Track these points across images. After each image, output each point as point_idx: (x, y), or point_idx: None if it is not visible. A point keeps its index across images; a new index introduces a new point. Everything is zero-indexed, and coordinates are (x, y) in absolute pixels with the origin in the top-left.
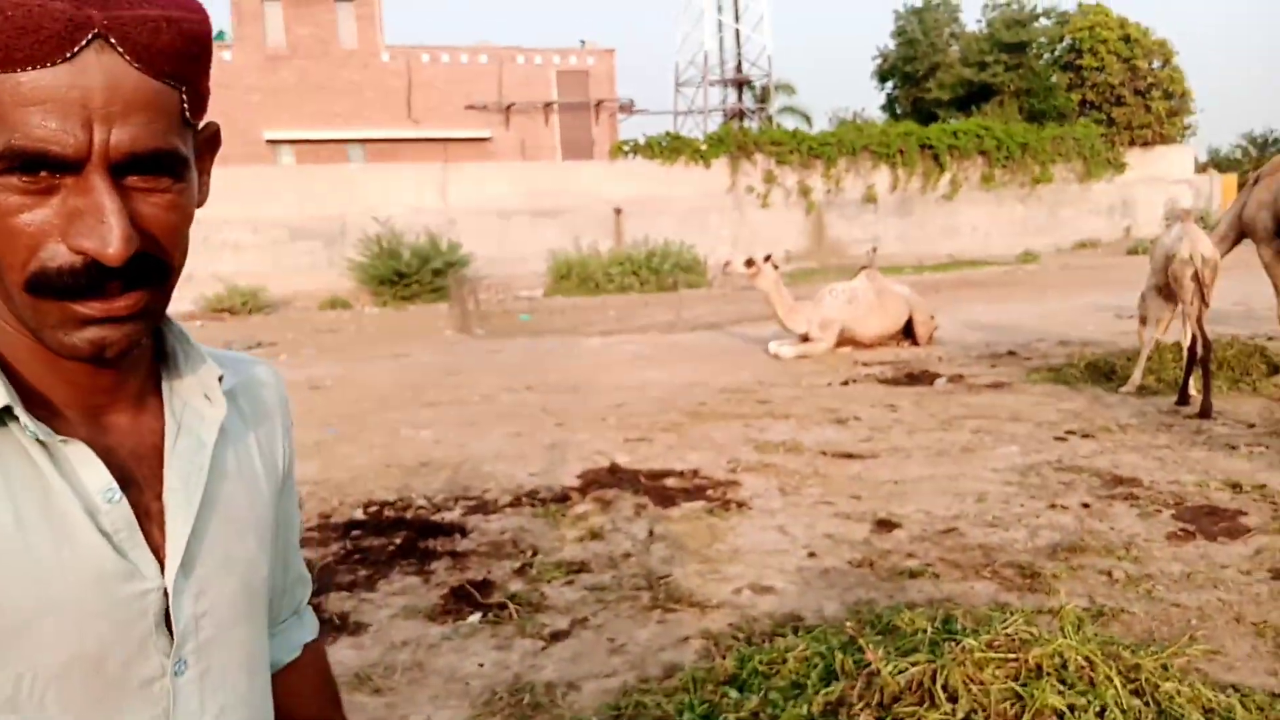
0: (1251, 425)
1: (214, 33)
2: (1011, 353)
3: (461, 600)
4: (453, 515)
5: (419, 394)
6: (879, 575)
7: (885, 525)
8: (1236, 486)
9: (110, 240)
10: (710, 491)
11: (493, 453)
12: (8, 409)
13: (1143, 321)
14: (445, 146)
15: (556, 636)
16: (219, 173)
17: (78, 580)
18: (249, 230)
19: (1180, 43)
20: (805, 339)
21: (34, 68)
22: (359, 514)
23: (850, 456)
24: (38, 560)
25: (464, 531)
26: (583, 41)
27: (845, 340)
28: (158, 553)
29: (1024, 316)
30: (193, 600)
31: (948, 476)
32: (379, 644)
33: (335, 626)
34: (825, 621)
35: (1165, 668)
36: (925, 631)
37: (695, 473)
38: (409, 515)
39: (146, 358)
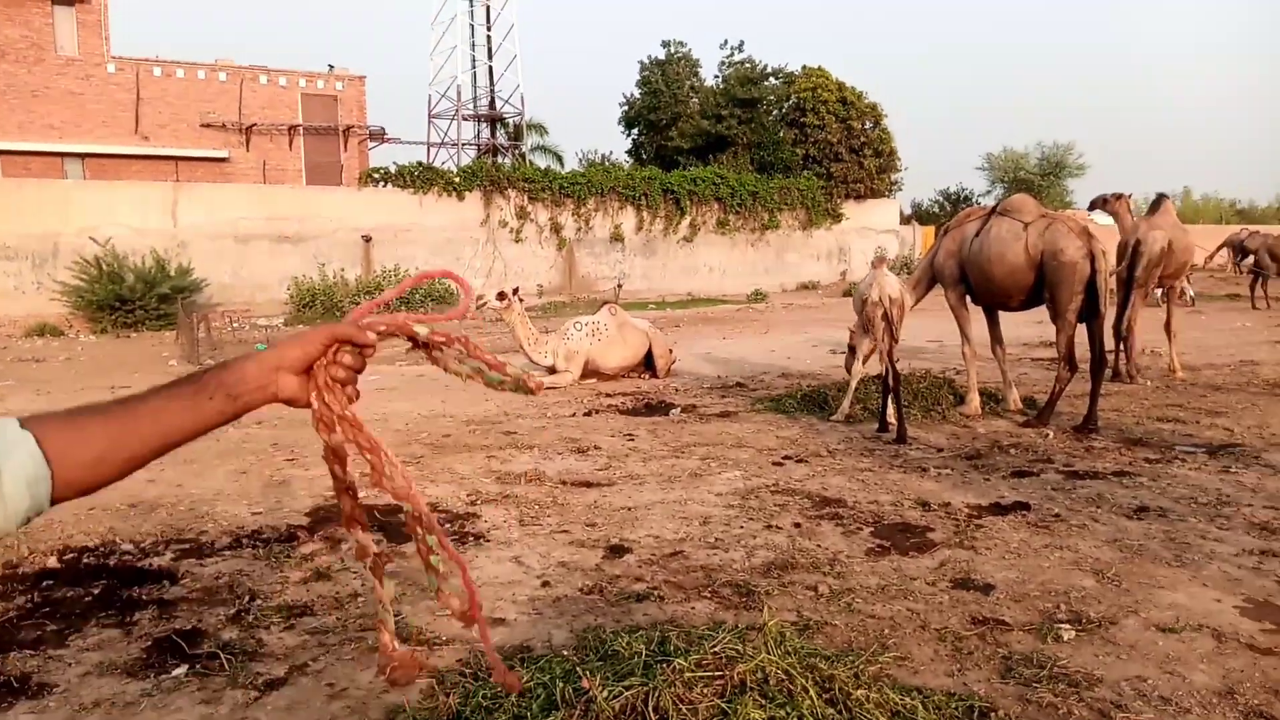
0: (940, 449)
1: None
2: (740, 384)
3: (166, 652)
4: (162, 560)
5: None
6: (608, 600)
7: (617, 551)
8: (925, 505)
9: None
10: (448, 524)
11: (213, 492)
12: None
13: (854, 355)
14: (177, 165)
15: (272, 685)
16: None
17: None
18: None
19: (889, 106)
20: (552, 370)
21: None
22: (52, 562)
23: (589, 485)
24: None
25: (174, 578)
26: (331, 66)
27: (590, 372)
28: None
29: (752, 351)
30: None
31: (677, 501)
32: (66, 706)
33: (13, 690)
34: (553, 650)
35: (858, 675)
36: (641, 654)
37: (434, 506)
38: (112, 562)
39: None
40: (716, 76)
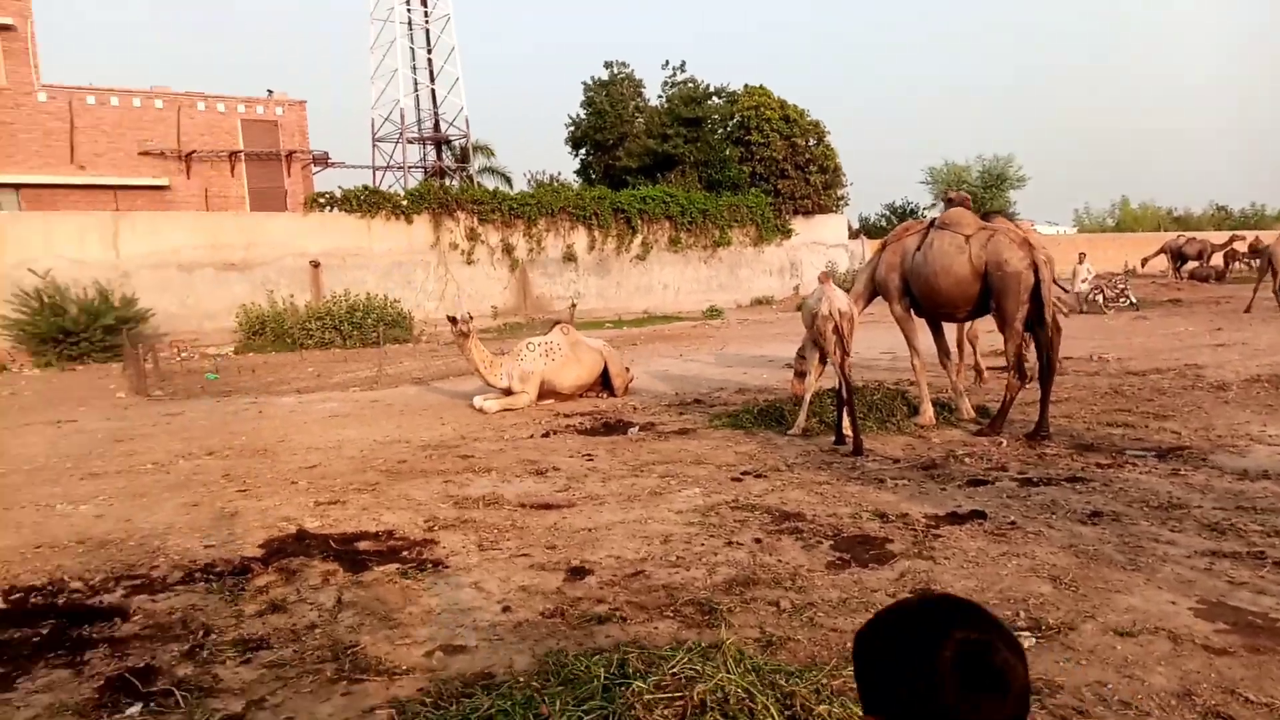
0: (896, 460)
1: None
2: (697, 400)
3: (119, 691)
4: (113, 597)
5: (81, 464)
6: (569, 624)
7: (578, 573)
8: (884, 516)
9: None
10: (405, 552)
11: (164, 525)
12: None
13: (799, 375)
14: (116, 194)
15: None
16: None
17: None
18: None
19: (831, 124)
20: (508, 392)
21: None
22: None
23: (548, 507)
24: None
25: (125, 615)
26: (270, 91)
27: (546, 392)
28: None
29: (709, 367)
30: None
31: (637, 520)
32: None
33: None
34: (514, 676)
35: (819, 691)
36: (600, 678)
37: (390, 534)
38: (60, 601)
39: None
40: (660, 96)
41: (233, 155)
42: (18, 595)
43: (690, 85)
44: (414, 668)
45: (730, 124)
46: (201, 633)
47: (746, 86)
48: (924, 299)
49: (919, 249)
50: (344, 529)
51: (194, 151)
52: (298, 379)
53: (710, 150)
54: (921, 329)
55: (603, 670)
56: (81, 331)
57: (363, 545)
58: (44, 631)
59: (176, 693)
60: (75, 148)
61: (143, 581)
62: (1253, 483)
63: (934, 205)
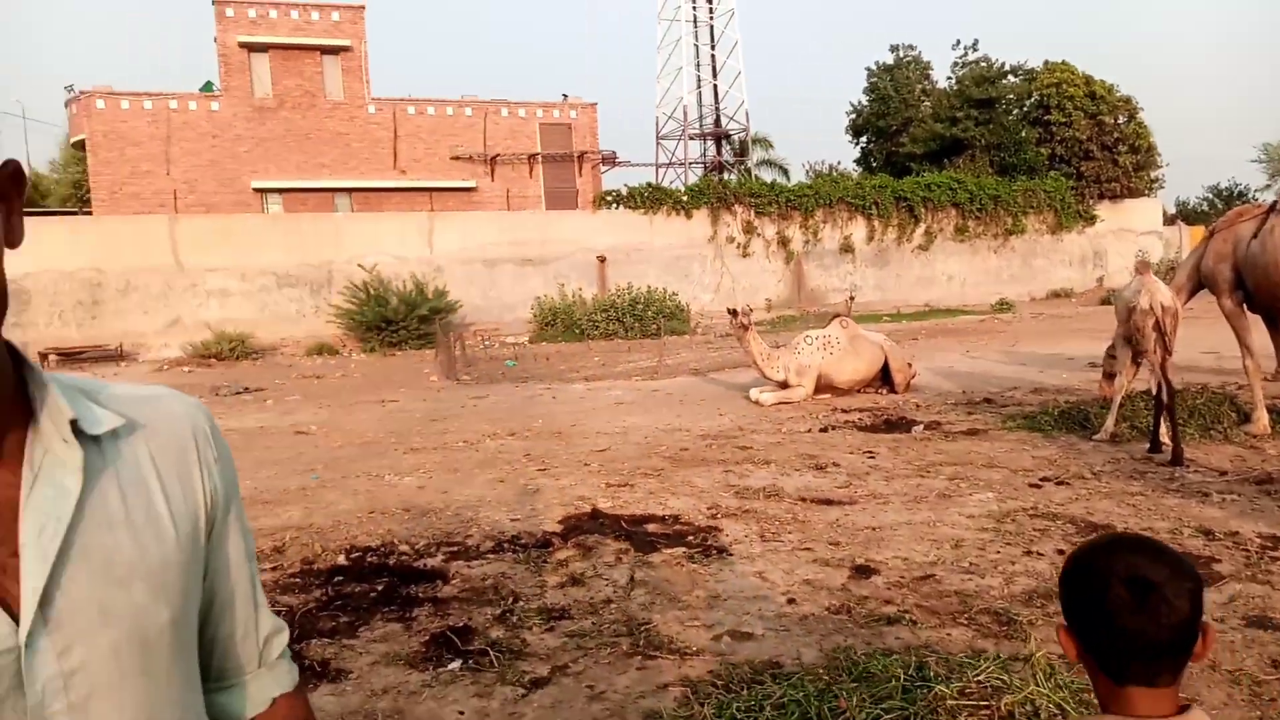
0: (1223, 473)
1: (202, 84)
2: (987, 400)
3: (442, 647)
4: (435, 561)
5: (403, 440)
6: (856, 621)
7: (863, 571)
8: (1209, 533)
9: None
10: (691, 537)
11: (476, 498)
12: None
13: (1107, 375)
14: (431, 196)
15: (536, 684)
16: (210, 221)
17: None
18: (237, 278)
19: (1144, 99)
20: (784, 385)
21: None
22: (342, 560)
23: (829, 503)
24: None
25: (445, 578)
26: (565, 95)
27: (823, 387)
28: (13, 611)
29: (999, 364)
30: (56, 658)
31: (925, 523)
32: (359, 691)
33: (316, 673)
34: (803, 668)
35: None
36: (899, 678)
37: (676, 518)
38: (391, 561)
39: (6, 408)
40: (949, 78)
41: (531, 157)
42: (357, 554)
43: (983, 65)
44: (703, 650)
45: (1027, 103)
46: (510, 599)
47: (1047, 63)
48: (1260, 292)
49: (1255, 236)
50: (633, 511)
51: (498, 155)
52: (585, 367)
53: (1003, 132)
54: (1256, 326)
55: (901, 671)
56: (400, 320)
57: (651, 527)
58: (379, 588)
59: (491, 652)
60: (398, 154)
61: (459, 548)
62: None
63: (1268, 187)
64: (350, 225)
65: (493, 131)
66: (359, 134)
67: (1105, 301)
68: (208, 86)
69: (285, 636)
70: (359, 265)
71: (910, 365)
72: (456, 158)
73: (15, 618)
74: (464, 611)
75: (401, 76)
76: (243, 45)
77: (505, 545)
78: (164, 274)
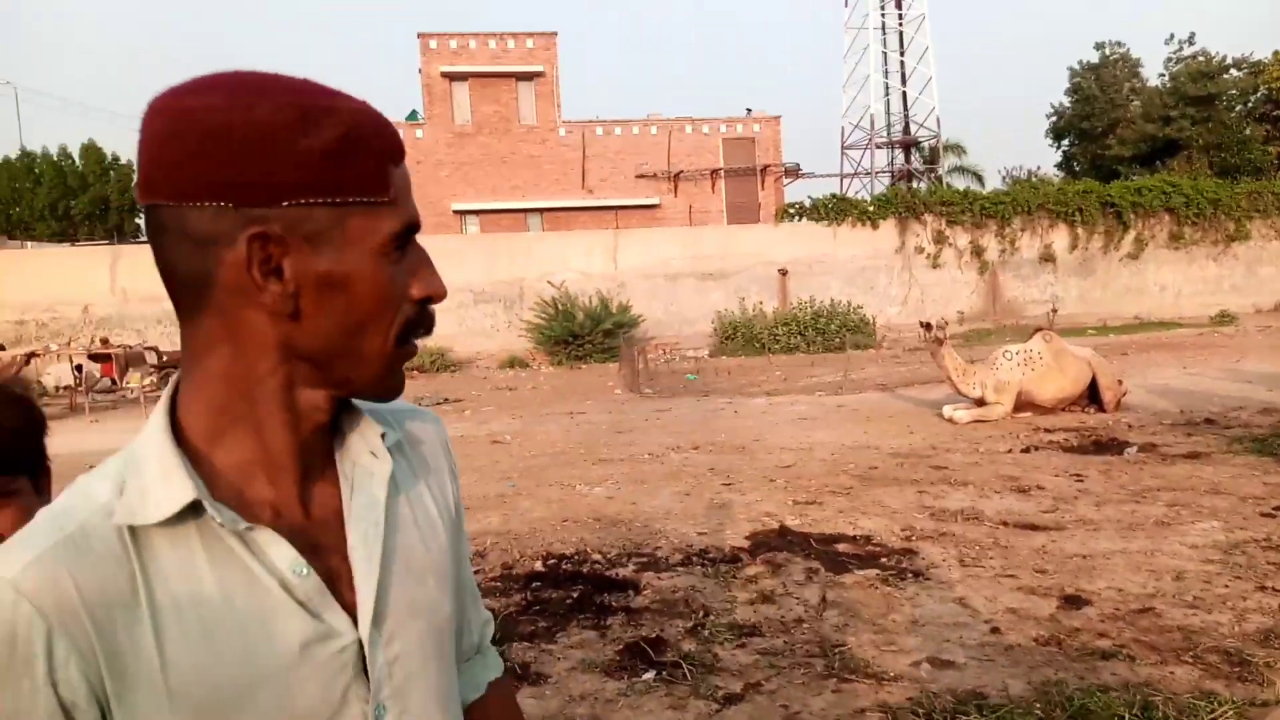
0: None
1: (407, 113)
2: (1209, 420)
3: (635, 657)
4: (626, 571)
5: (591, 451)
6: (1068, 654)
7: (1073, 602)
8: None
9: (439, 282)
10: (884, 559)
11: (663, 510)
12: (197, 502)
13: None
14: (616, 214)
15: (730, 700)
16: (416, 241)
17: (285, 650)
18: None
19: None
20: (980, 403)
21: (398, 164)
22: (539, 566)
23: (1034, 528)
24: (248, 637)
25: (637, 588)
26: (749, 110)
27: (1023, 404)
28: (349, 609)
29: (1221, 382)
30: (384, 648)
31: (1141, 552)
32: (559, 695)
33: (517, 675)
34: (1011, 701)
35: None
36: (1123, 718)
37: (868, 539)
38: (585, 570)
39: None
40: (1162, 75)
41: (713, 173)
42: (553, 561)
43: (1200, 59)
44: (901, 675)
45: (1252, 99)
46: (701, 613)
47: (1276, 54)
48: None
49: None
50: (822, 529)
51: (681, 171)
52: (766, 381)
53: (1224, 131)
54: None
55: (1125, 711)
56: (586, 335)
57: (841, 547)
58: (574, 595)
59: (684, 665)
60: (586, 174)
61: (649, 559)
62: None
63: None
64: (540, 244)
65: (676, 149)
66: (550, 156)
67: None
68: (413, 115)
69: (492, 626)
70: (548, 282)
71: (1121, 382)
72: (641, 176)
73: (350, 615)
74: (656, 623)
75: (591, 99)
76: (445, 75)
77: (694, 558)
78: None
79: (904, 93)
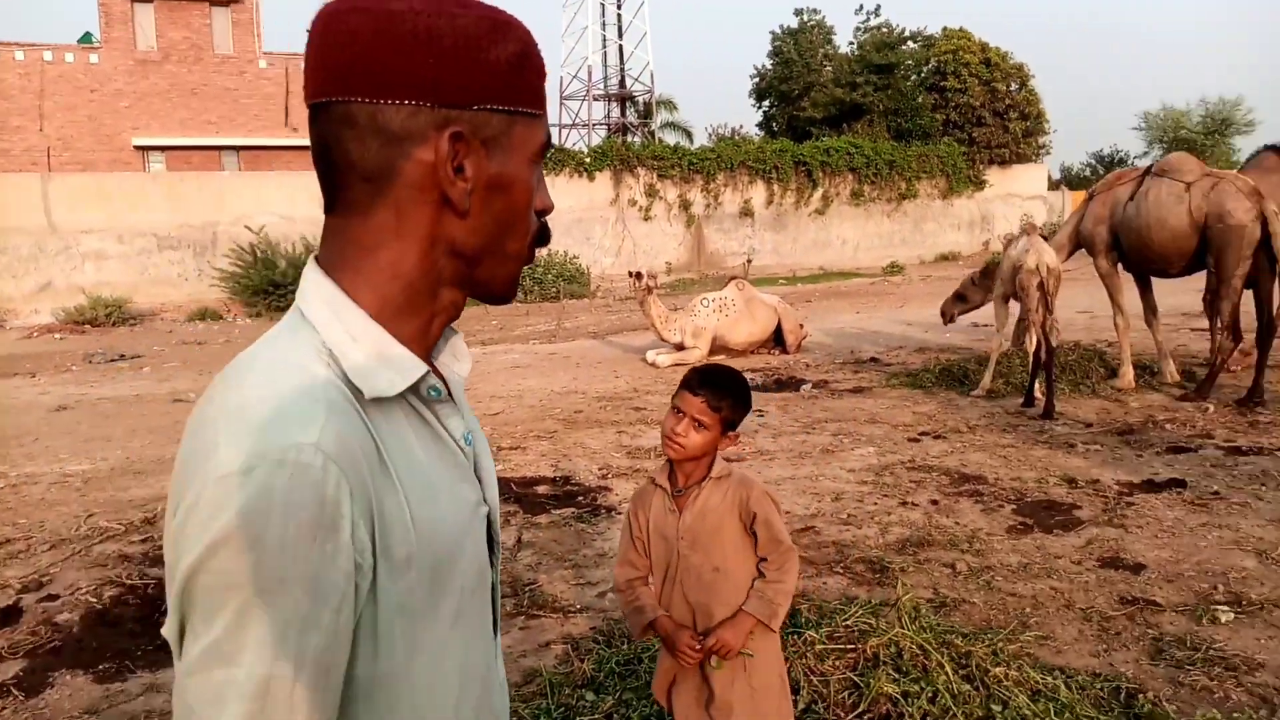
0: (1089, 425)
1: (80, 34)
2: (874, 359)
3: None
4: None
5: None
6: None
7: None
8: (1072, 482)
9: (550, 197)
10: (581, 498)
11: None
12: (420, 379)
13: (957, 297)
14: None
15: None
16: (86, 180)
17: (468, 509)
18: (114, 239)
19: (1036, 67)
20: (680, 347)
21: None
22: None
23: None
24: (453, 496)
25: None
26: None
27: (718, 348)
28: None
29: (888, 325)
30: (498, 524)
31: (808, 477)
32: None
33: None
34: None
35: (996, 653)
36: None
37: (567, 479)
38: None
39: None
40: (851, 43)
41: None
42: None
43: (884, 30)
44: (588, 606)
45: (925, 70)
46: None
47: (945, 29)
48: (1134, 253)
49: (1131, 199)
50: (524, 473)
51: None
52: (482, 331)
53: (901, 98)
54: (1128, 286)
55: None
56: (289, 284)
57: (541, 489)
58: None
59: None
60: (289, 111)
61: None
62: None
63: (1146, 154)
64: (237, 185)
65: None
66: (249, 89)
67: (987, 265)
68: (86, 38)
69: None
70: (245, 227)
71: (802, 327)
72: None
73: None
74: None
75: (297, 30)
76: None
77: None
78: (35, 235)
79: (620, 46)
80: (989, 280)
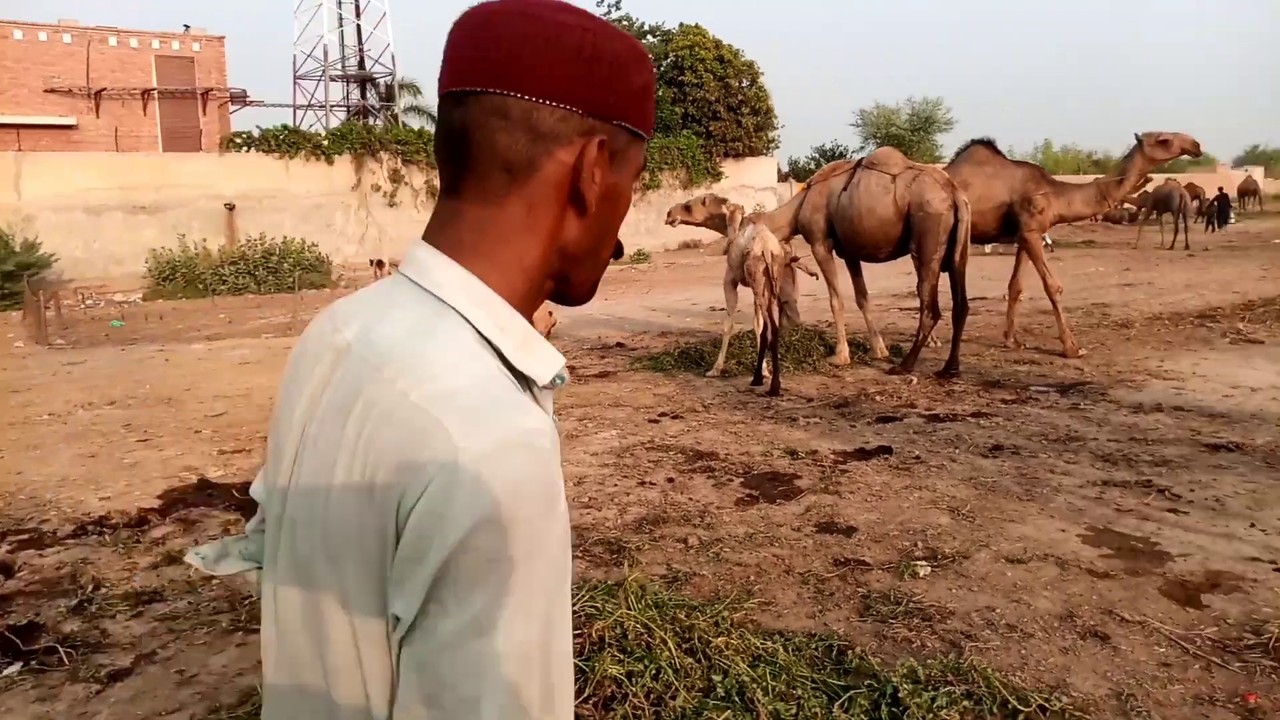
0: (810, 399)
1: None
2: (620, 344)
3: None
4: None
5: None
6: None
7: None
8: (794, 453)
9: None
10: None
11: (58, 478)
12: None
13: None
14: (19, 134)
15: (116, 676)
16: None
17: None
18: None
19: (765, 64)
20: None
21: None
22: None
23: None
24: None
25: (9, 571)
26: (187, 26)
27: None
28: None
29: (634, 311)
30: None
31: None
32: None
33: None
34: None
35: (719, 624)
36: None
37: None
38: None
39: None
40: None
41: (145, 93)
42: None
43: (624, 23)
44: None
45: (664, 64)
46: (91, 587)
47: (682, 25)
48: (847, 240)
49: (845, 189)
50: (248, 478)
51: (104, 89)
52: (209, 326)
53: None
54: (841, 270)
55: None
56: None
57: None
58: None
59: (60, 650)
60: None
61: (31, 536)
62: (1146, 415)
63: (863, 148)
64: None
65: (98, 62)
66: None
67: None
68: None
69: None
70: None
71: (551, 314)
72: (52, 90)
73: None
74: (31, 606)
75: None
76: None
77: (90, 528)
78: None
79: (358, 26)
80: (717, 208)
